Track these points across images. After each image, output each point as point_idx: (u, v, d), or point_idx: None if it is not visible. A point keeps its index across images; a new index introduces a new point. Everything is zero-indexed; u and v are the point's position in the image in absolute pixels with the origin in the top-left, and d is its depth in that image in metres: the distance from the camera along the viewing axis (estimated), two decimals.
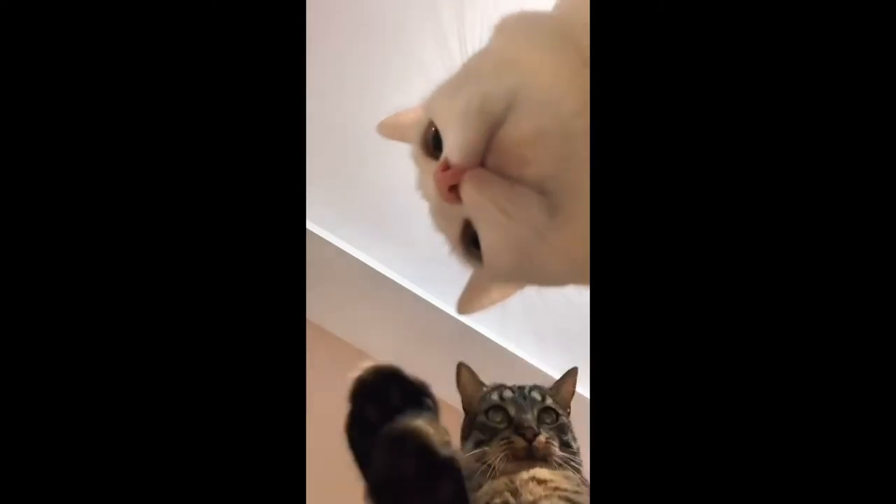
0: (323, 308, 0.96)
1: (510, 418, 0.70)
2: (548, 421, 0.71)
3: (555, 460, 0.67)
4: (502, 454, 0.66)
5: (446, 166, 0.33)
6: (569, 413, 0.76)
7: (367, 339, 1.01)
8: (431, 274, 0.99)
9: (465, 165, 0.32)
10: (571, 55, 0.32)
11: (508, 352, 1.03)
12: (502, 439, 0.68)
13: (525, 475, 0.63)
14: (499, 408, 0.71)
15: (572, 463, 0.68)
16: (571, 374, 0.80)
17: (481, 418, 0.72)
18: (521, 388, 0.74)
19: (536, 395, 0.73)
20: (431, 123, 0.36)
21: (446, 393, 0.96)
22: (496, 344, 1.02)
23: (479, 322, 1.01)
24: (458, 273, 0.98)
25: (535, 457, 0.66)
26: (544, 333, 1.01)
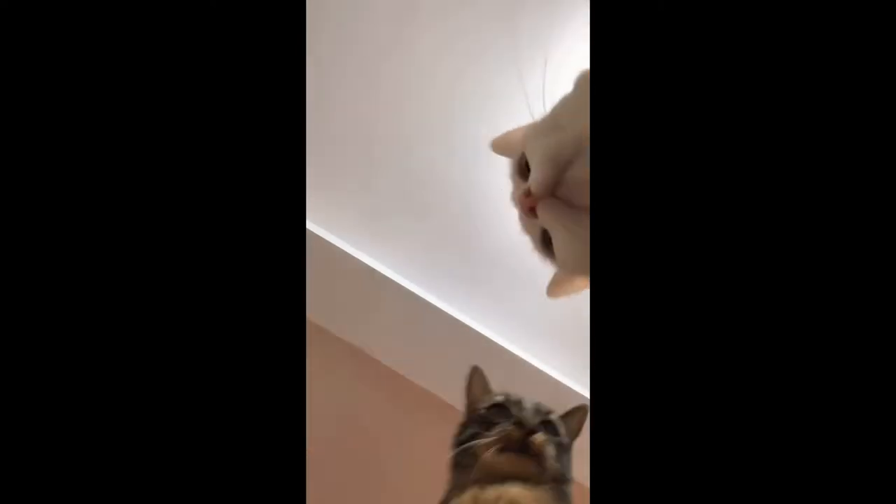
0: (323, 308, 0.96)
1: (511, 416, 0.69)
2: (549, 432, 0.70)
3: (547, 462, 0.66)
4: (495, 445, 0.66)
5: (529, 192, 0.43)
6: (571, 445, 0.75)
7: (366, 339, 1.01)
8: (432, 274, 0.99)
9: (540, 196, 0.42)
10: None
11: (508, 351, 1.03)
12: (499, 431, 0.67)
13: (493, 493, 0.63)
14: (502, 406, 0.71)
15: (562, 480, 0.67)
16: (582, 409, 0.78)
17: (482, 412, 0.71)
18: (530, 399, 0.73)
19: (543, 408, 0.72)
20: (524, 154, 0.47)
21: (447, 394, 0.96)
22: (497, 344, 1.02)
23: (479, 322, 1.01)
24: (458, 273, 0.98)
25: (529, 451, 0.66)
26: (546, 335, 1.01)
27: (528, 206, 0.43)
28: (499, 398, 0.72)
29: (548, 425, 0.70)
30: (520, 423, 0.67)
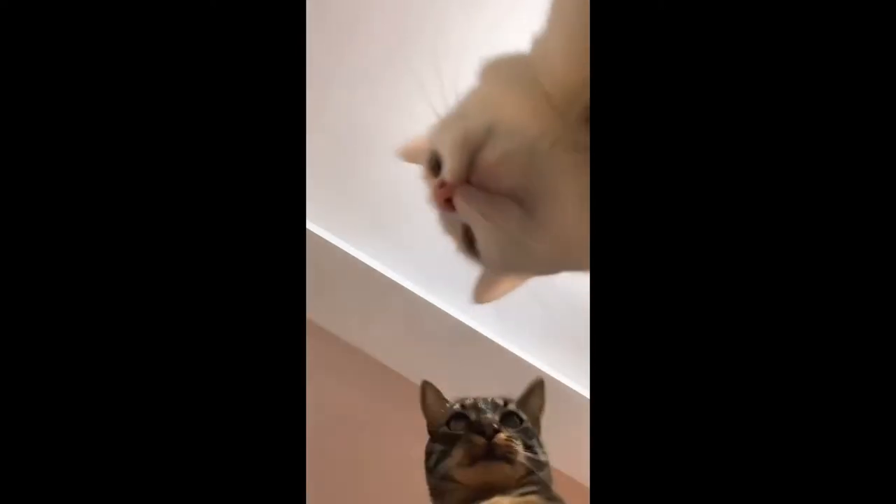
0: (323, 308, 0.96)
1: (471, 423, 0.68)
2: (511, 425, 0.69)
3: (517, 459, 0.65)
4: (462, 457, 0.65)
5: (442, 183, 0.41)
6: (538, 427, 0.75)
7: (366, 340, 1.02)
8: (432, 274, 0.99)
9: (455, 183, 0.40)
10: (535, 90, 0.41)
11: (508, 351, 1.03)
12: (465, 442, 0.66)
13: None
14: (460, 415, 0.70)
15: (536, 465, 0.67)
16: (537, 385, 0.77)
17: (443, 429, 0.70)
18: (485, 397, 0.73)
19: (499, 401, 0.72)
20: (435, 150, 0.45)
21: (447, 395, 0.96)
22: (496, 344, 1.02)
23: (479, 322, 1.01)
24: (458, 274, 0.98)
25: (496, 456, 0.65)
26: (545, 333, 1.01)
27: (444, 196, 0.41)
28: (455, 407, 0.72)
29: (508, 418, 0.70)
30: (479, 430, 0.66)
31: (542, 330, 1.00)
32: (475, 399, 0.72)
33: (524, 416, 0.71)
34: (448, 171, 0.41)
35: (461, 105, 0.46)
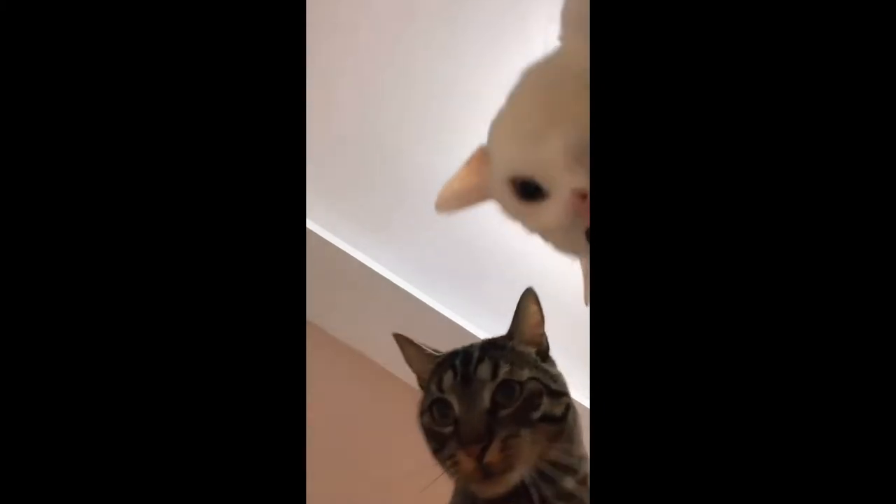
0: (323, 309, 0.96)
1: (455, 419, 0.55)
2: (508, 402, 0.54)
3: (526, 462, 0.52)
4: (457, 475, 0.54)
5: (584, 195, 0.41)
6: (545, 343, 0.62)
7: (366, 342, 1.01)
8: (431, 276, 0.99)
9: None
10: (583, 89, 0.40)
11: None
12: (449, 457, 0.54)
13: None
14: (442, 403, 0.56)
15: (552, 420, 0.55)
16: (526, 297, 0.61)
17: (426, 419, 0.58)
18: (466, 359, 0.57)
19: (485, 371, 0.55)
20: (515, 178, 0.45)
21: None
22: None
23: (479, 326, 1.01)
24: (459, 277, 0.98)
25: (495, 473, 0.52)
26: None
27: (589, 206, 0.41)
28: (433, 389, 0.58)
29: (503, 390, 0.54)
30: (464, 442, 0.53)
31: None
32: (454, 372, 0.56)
33: (522, 375, 0.56)
34: (585, 179, 0.41)
35: (525, 120, 0.46)
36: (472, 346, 0.60)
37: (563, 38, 0.46)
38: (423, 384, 0.62)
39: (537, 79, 0.47)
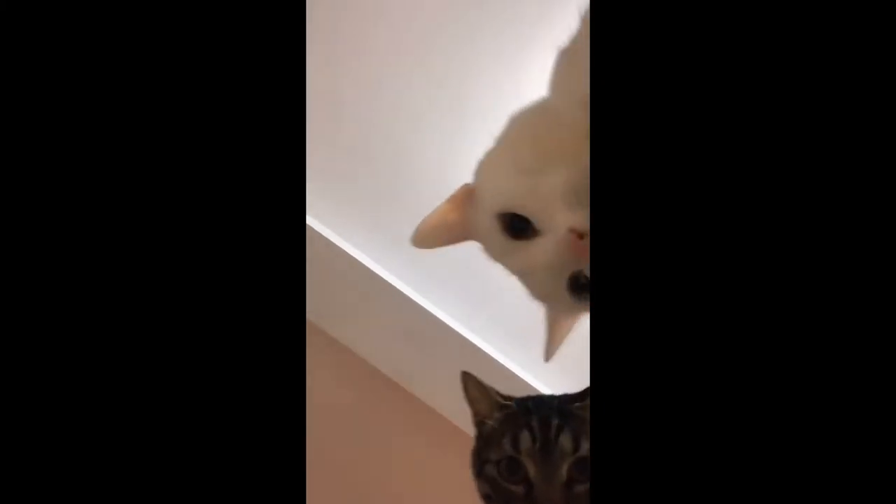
0: (323, 310, 0.96)
1: (530, 484, 0.53)
2: (583, 477, 0.53)
3: None
4: None
5: (580, 235, 0.41)
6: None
7: (366, 346, 1.01)
8: (432, 277, 0.98)
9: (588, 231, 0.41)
10: (577, 131, 0.41)
11: (507, 369, 1.02)
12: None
13: None
14: (515, 462, 0.54)
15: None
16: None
17: (490, 470, 0.56)
18: (544, 425, 0.55)
19: (567, 444, 0.54)
20: (506, 212, 0.45)
21: (448, 410, 0.95)
22: (497, 361, 1.02)
23: (481, 337, 1.01)
24: (459, 279, 0.97)
25: None
26: (539, 348, 1.00)
27: (586, 247, 0.41)
28: (506, 445, 0.56)
29: (579, 467, 0.54)
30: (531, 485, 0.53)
31: (537, 343, 1.00)
32: (532, 435, 0.55)
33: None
34: (583, 219, 0.41)
35: (521, 156, 0.45)
36: (544, 403, 0.59)
37: (552, 91, 0.46)
38: (480, 422, 0.61)
39: (531, 121, 0.47)
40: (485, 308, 0.99)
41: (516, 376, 1.01)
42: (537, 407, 0.58)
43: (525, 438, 0.55)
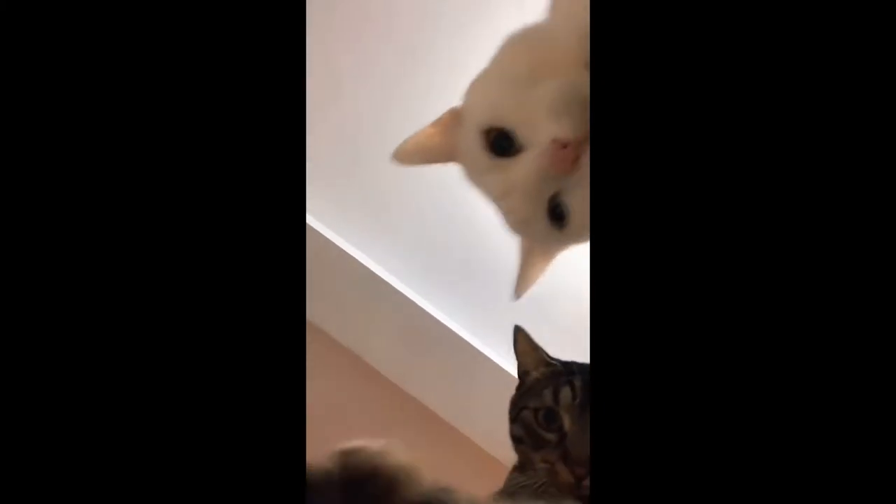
0: (323, 311, 0.96)
1: (563, 434, 0.57)
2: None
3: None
4: (542, 481, 0.57)
5: (565, 144, 0.40)
6: None
7: (366, 347, 1.01)
8: (435, 284, 0.98)
9: (581, 138, 0.40)
10: (572, 51, 0.42)
11: (507, 371, 1.02)
12: (545, 461, 0.57)
13: None
14: (552, 413, 0.58)
15: None
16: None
17: (527, 416, 0.59)
18: (586, 385, 0.59)
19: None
20: (491, 128, 0.45)
21: (445, 412, 0.95)
22: (496, 364, 1.01)
23: (480, 339, 1.01)
24: (460, 280, 0.97)
25: (584, 494, 0.55)
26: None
27: (573, 156, 0.41)
28: (547, 396, 0.59)
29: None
30: (570, 461, 0.56)
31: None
32: (573, 392, 0.58)
33: None
34: (571, 129, 0.40)
35: (510, 71, 0.46)
36: (587, 371, 0.62)
37: (550, 15, 0.46)
38: (524, 373, 0.64)
39: (525, 40, 0.46)
40: (485, 310, 0.99)
41: (516, 379, 1.01)
42: (581, 371, 0.61)
43: (566, 393, 0.58)
